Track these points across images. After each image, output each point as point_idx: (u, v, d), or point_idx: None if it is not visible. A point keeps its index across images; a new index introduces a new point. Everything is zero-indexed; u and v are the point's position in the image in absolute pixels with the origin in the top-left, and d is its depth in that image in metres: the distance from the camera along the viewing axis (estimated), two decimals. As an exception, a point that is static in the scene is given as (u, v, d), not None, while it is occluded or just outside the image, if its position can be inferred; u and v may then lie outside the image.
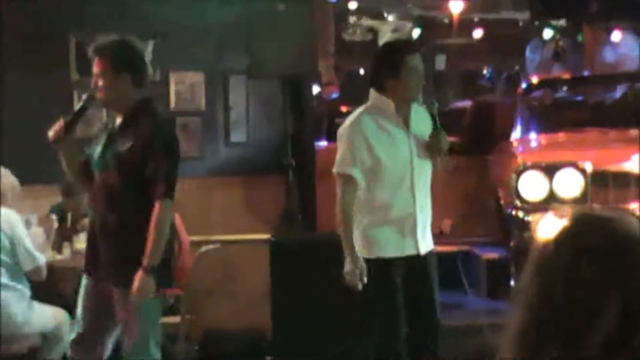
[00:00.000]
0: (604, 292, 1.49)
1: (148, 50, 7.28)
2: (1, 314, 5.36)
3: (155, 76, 7.30)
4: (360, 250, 4.69)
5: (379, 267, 4.64)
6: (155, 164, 4.38)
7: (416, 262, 4.75)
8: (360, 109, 4.76)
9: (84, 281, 4.62)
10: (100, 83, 4.47)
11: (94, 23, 7.05)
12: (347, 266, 4.60)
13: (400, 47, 4.95)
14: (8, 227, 5.48)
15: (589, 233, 1.56)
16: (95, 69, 4.50)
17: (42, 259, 5.60)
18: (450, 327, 6.96)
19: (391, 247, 4.69)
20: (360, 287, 4.59)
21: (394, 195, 4.68)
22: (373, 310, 4.72)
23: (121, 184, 4.40)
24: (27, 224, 6.15)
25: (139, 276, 4.32)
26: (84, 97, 4.58)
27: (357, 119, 4.71)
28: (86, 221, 5.19)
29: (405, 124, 4.75)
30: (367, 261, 4.67)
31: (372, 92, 4.76)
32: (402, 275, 4.71)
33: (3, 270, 5.45)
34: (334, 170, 4.69)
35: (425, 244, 4.81)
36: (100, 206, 4.46)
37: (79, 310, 4.63)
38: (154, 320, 4.56)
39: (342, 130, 4.73)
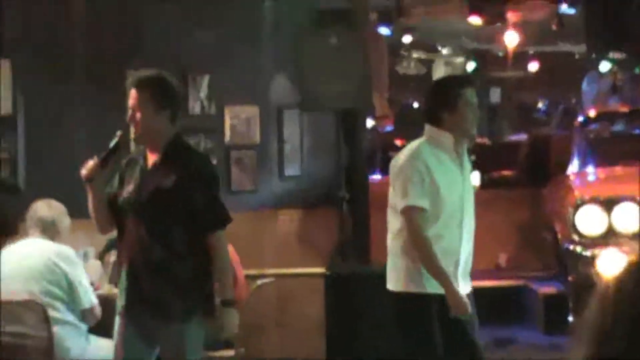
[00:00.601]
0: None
1: (204, 85, 7.36)
2: (56, 349, 5.39)
3: (210, 110, 7.37)
4: (398, 283, 4.64)
5: (419, 302, 4.57)
6: (203, 196, 4.36)
7: None
8: (417, 142, 4.73)
9: (119, 322, 4.54)
10: (139, 117, 4.42)
11: (151, 57, 7.13)
12: (450, 300, 4.49)
13: (457, 81, 4.95)
14: (67, 265, 5.51)
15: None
16: (132, 102, 4.44)
17: (95, 300, 5.61)
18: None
19: (431, 283, 4.59)
20: (470, 311, 4.52)
21: (444, 230, 4.62)
22: (413, 345, 4.66)
23: (167, 219, 4.36)
24: (85, 257, 6.21)
25: (226, 313, 4.36)
26: (117, 133, 4.50)
27: (417, 151, 4.67)
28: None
29: (459, 158, 4.73)
30: (407, 295, 4.62)
31: (428, 127, 4.73)
32: (439, 313, 4.61)
33: (59, 305, 5.48)
34: (404, 204, 4.56)
35: (465, 285, 4.72)
36: (142, 243, 4.39)
37: (115, 352, 4.55)
38: (199, 353, 4.53)
39: (401, 163, 4.66)
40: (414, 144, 4.73)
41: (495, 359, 6.95)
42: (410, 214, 4.56)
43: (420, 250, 4.54)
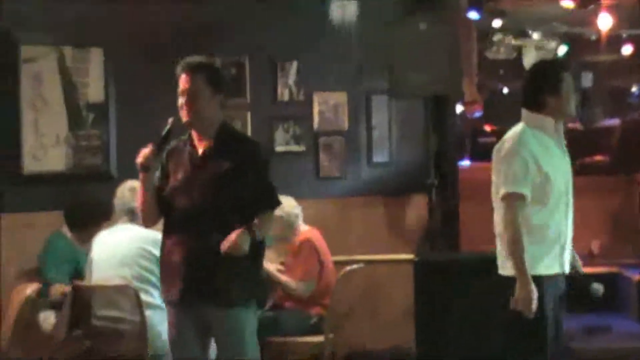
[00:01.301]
0: None
1: (292, 71, 7.38)
2: (149, 333, 5.46)
3: (298, 97, 7.39)
4: (509, 268, 4.60)
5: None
6: (255, 180, 4.36)
7: (560, 281, 4.68)
8: (519, 127, 4.68)
9: (170, 312, 4.51)
10: (193, 101, 4.37)
11: (238, 44, 7.18)
12: (520, 292, 4.48)
13: (559, 65, 4.92)
14: (159, 250, 5.58)
15: None
16: (186, 87, 4.40)
17: None
18: (599, 351, 6.78)
19: (543, 266, 4.59)
20: (533, 314, 4.49)
21: (552, 214, 4.61)
22: (522, 326, 4.60)
23: (223, 205, 4.32)
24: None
25: (238, 230, 4.23)
26: (170, 120, 4.44)
27: (521, 136, 4.62)
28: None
29: (560, 142, 4.69)
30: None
31: (526, 112, 4.68)
32: (550, 294, 4.60)
33: (152, 290, 5.55)
34: (504, 190, 4.55)
35: (568, 263, 4.75)
36: (198, 230, 4.34)
37: (170, 344, 4.54)
38: (254, 340, 4.48)
39: (506, 150, 4.62)
40: (516, 130, 4.67)
41: (589, 348, 6.84)
42: (508, 200, 4.54)
43: (510, 237, 4.51)
